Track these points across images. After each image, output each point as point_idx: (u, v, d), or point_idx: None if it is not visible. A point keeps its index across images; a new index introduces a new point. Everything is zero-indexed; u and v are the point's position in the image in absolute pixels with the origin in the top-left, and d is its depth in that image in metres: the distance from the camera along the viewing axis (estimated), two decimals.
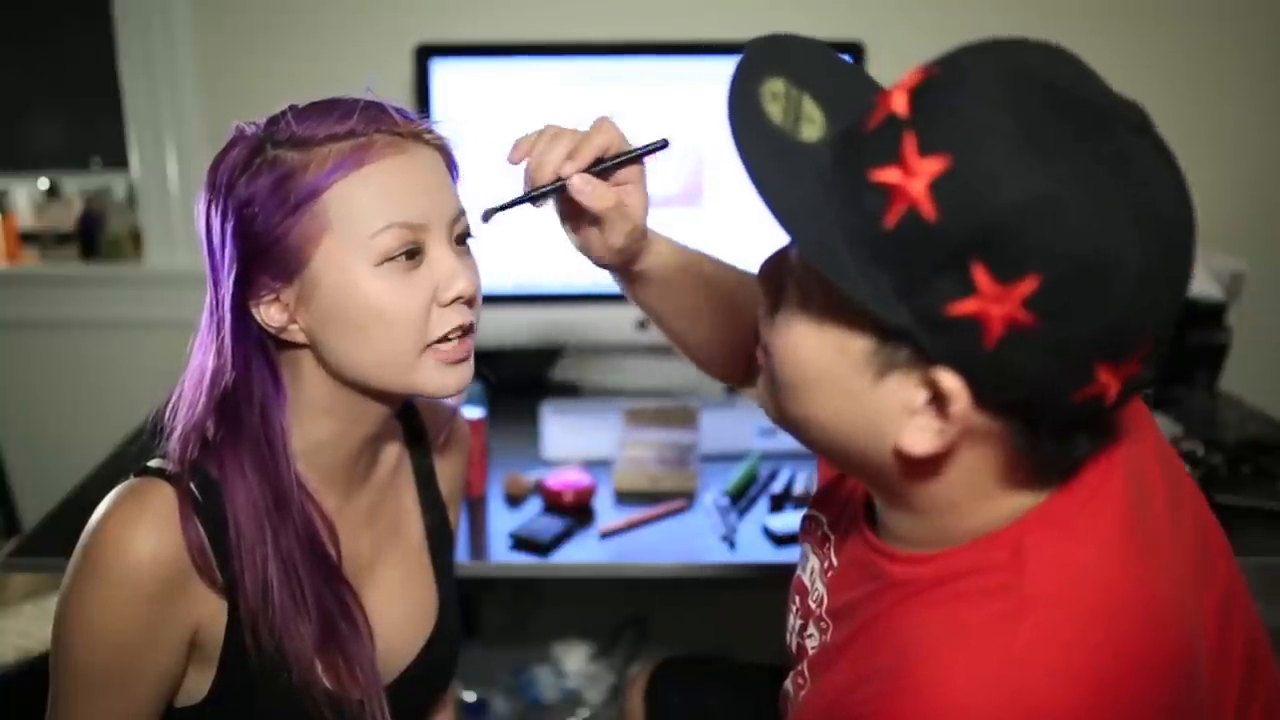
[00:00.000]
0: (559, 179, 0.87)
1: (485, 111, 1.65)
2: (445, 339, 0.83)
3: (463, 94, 1.65)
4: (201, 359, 0.84)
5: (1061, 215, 0.55)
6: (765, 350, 0.73)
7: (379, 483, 0.96)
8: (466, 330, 0.84)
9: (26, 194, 2.09)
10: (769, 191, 0.62)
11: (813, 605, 0.84)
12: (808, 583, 0.87)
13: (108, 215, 2.02)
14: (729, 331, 1.01)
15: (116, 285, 2.03)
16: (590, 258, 0.94)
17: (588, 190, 0.86)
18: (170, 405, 0.85)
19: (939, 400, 0.62)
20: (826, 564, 0.85)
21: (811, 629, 0.83)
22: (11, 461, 1.99)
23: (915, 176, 0.58)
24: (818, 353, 0.67)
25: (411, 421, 1.02)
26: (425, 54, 1.64)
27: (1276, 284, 1.95)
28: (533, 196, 0.88)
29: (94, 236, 2.02)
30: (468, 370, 0.86)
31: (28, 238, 2.08)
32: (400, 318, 0.80)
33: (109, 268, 2.03)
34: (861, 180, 0.60)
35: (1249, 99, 1.92)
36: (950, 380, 0.61)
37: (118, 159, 2.05)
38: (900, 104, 0.60)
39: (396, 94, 0.86)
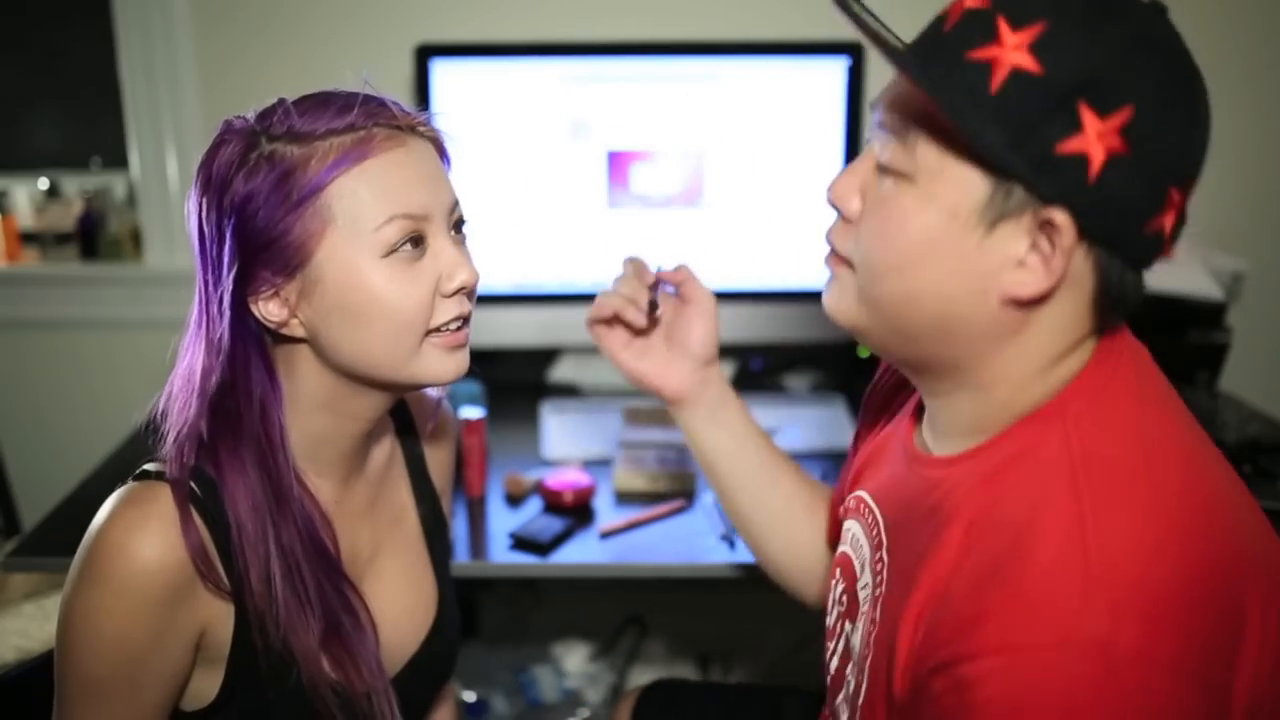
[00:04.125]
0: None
1: (485, 111, 1.65)
2: (443, 327, 0.84)
3: (462, 94, 1.64)
4: (190, 359, 0.84)
5: (1144, 51, 0.66)
6: (858, 241, 0.76)
7: (375, 476, 0.97)
8: (464, 319, 0.86)
9: (26, 194, 2.09)
10: (896, 52, 0.69)
11: (868, 550, 0.85)
12: (852, 551, 0.89)
13: (108, 215, 2.02)
14: (803, 526, 1.09)
15: (116, 285, 2.03)
16: (652, 387, 1.11)
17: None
18: (161, 407, 0.85)
19: (1049, 237, 0.67)
20: (871, 519, 0.86)
21: (866, 578, 0.84)
22: (11, 461, 1.98)
23: (1014, 46, 0.65)
24: (926, 220, 0.71)
25: (401, 414, 1.02)
26: (425, 54, 1.64)
27: (1276, 284, 1.95)
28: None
29: (94, 236, 2.02)
30: (464, 357, 0.87)
31: (28, 238, 2.07)
32: (404, 308, 0.81)
33: (109, 268, 2.02)
34: (958, 62, 0.67)
35: (1249, 99, 1.91)
36: (1060, 216, 0.67)
37: (118, 159, 2.05)
38: (975, 1, 0.68)
39: (396, 94, 0.86)
